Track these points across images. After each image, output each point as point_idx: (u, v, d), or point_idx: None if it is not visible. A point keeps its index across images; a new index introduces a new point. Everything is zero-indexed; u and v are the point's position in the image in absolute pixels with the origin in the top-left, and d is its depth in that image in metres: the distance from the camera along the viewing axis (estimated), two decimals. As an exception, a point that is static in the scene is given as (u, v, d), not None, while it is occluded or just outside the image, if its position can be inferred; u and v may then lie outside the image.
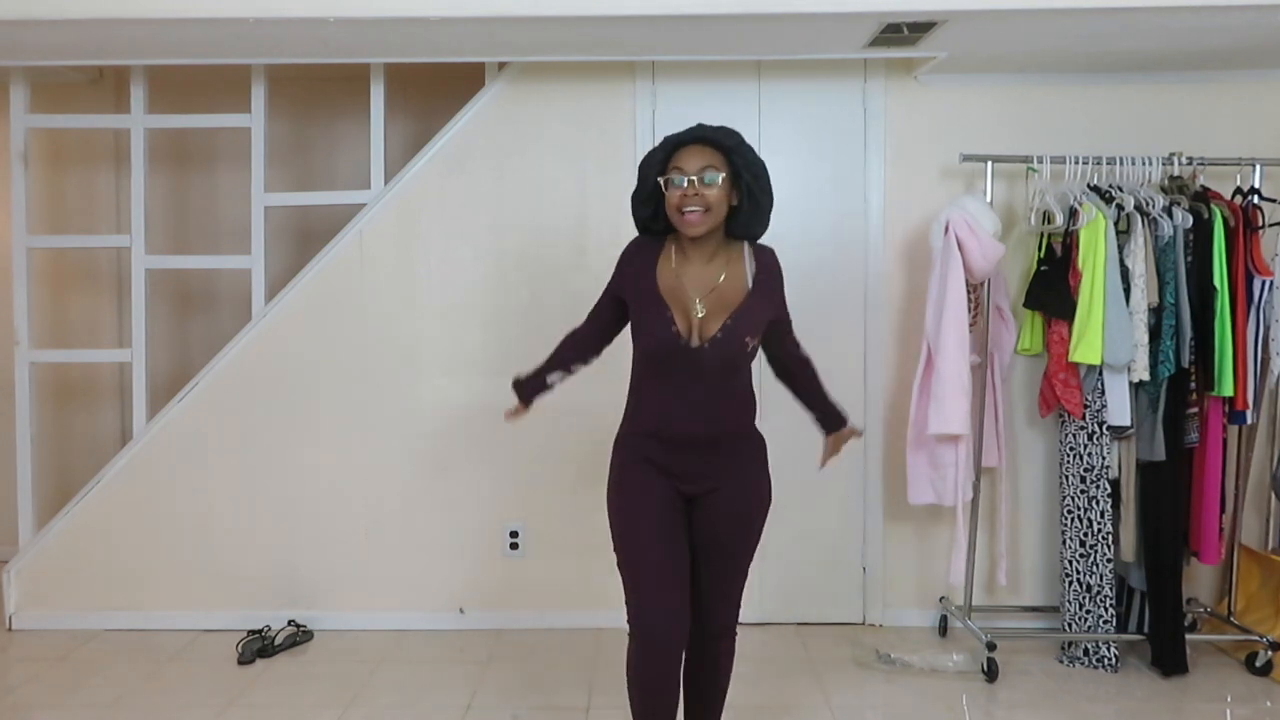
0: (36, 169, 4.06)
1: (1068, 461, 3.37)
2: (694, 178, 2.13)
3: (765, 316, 2.26)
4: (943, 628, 3.74)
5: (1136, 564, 3.40)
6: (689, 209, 2.14)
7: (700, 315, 2.19)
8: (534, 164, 3.78)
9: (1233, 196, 3.43)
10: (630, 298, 2.27)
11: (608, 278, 2.38)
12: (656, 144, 2.26)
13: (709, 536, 2.28)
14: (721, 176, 2.15)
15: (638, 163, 2.29)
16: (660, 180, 2.19)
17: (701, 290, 2.21)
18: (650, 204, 2.25)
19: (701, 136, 2.19)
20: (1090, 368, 3.30)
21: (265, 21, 3.04)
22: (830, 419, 2.50)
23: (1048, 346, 3.42)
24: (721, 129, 2.21)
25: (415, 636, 3.71)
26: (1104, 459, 3.31)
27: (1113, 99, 3.71)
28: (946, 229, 3.36)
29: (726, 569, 2.32)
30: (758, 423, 2.35)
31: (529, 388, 2.46)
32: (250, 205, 3.87)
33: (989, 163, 3.48)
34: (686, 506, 2.28)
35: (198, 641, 3.66)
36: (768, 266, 2.29)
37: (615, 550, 2.27)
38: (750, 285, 2.24)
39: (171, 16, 3.02)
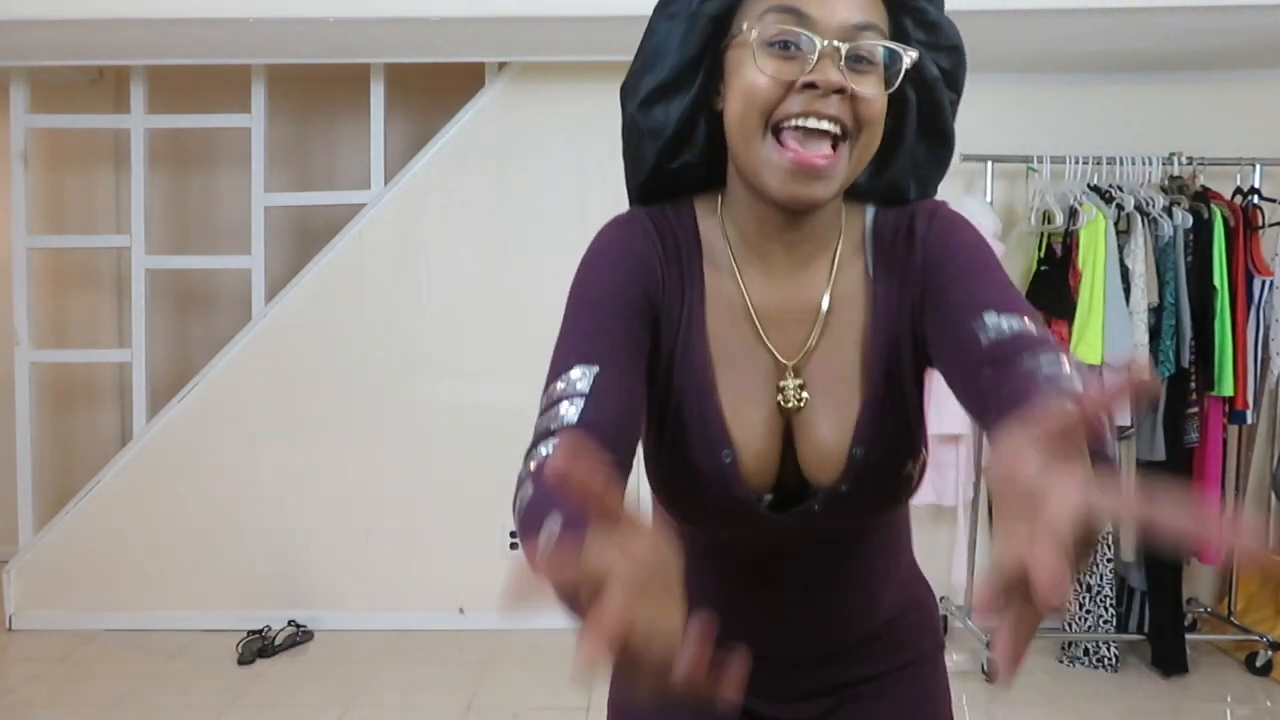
0: (36, 169, 4.05)
1: (1068, 461, 3.37)
2: (839, 45, 0.84)
3: (920, 392, 0.97)
4: (943, 628, 3.73)
5: (1136, 564, 3.40)
6: (815, 125, 0.84)
7: (798, 405, 0.93)
8: (534, 164, 3.77)
9: (1233, 196, 3.43)
10: (651, 372, 0.93)
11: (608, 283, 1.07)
12: None
13: None
14: (909, 59, 0.88)
15: None
16: (749, 34, 0.86)
17: (790, 338, 0.94)
18: (681, 102, 0.91)
19: None
20: (1090, 367, 3.30)
21: (265, 21, 3.04)
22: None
23: (1048, 346, 3.41)
24: None
25: (415, 636, 3.71)
26: (1104, 459, 3.31)
27: (1113, 99, 3.71)
28: (946, 229, 3.36)
29: None
30: None
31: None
32: (250, 205, 3.87)
33: (989, 163, 3.48)
34: None
35: (198, 641, 3.65)
36: (911, 236, 0.94)
37: None
38: (873, 305, 0.95)
39: (171, 16, 3.02)
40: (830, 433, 0.93)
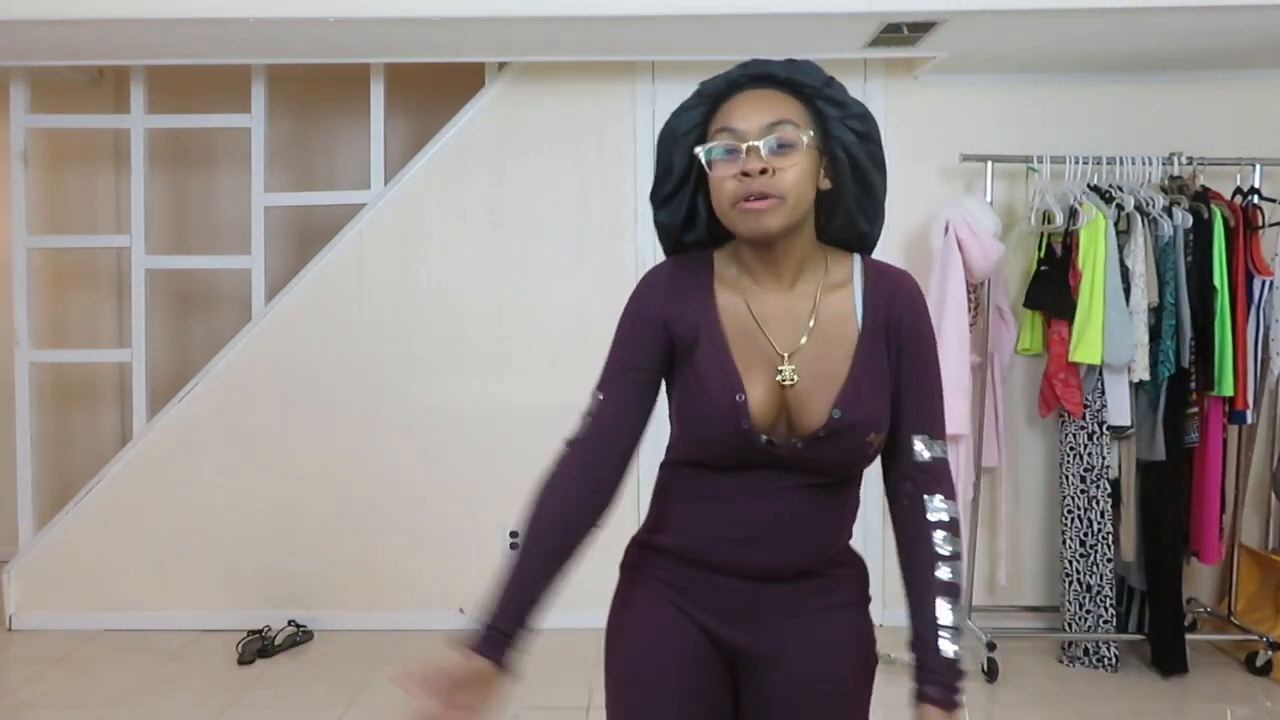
0: (36, 169, 4.06)
1: (1068, 461, 3.37)
2: (756, 144, 1.25)
3: (887, 387, 1.34)
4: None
5: (1136, 564, 3.40)
6: (750, 197, 1.25)
7: (790, 383, 1.30)
8: (534, 164, 3.77)
9: (1233, 196, 3.43)
10: (675, 356, 1.35)
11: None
12: (688, 96, 1.35)
13: None
14: (806, 138, 1.27)
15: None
16: (699, 154, 1.30)
17: (786, 336, 1.32)
18: (683, 201, 1.37)
19: (766, 74, 1.31)
20: (1090, 368, 3.30)
21: (265, 21, 3.04)
22: (927, 666, 1.31)
23: (1048, 346, 3.42)
24: (797, 62, 1.32)
25: (415, 636, 3.71)
26: (1104, 459, 3.31)
27: (1113, 99, 3.71)
28: (946, 229, 3.36)
29: None
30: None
31: (501, 632, 1.42)
32: (250, 205, 3.87)
33: (989, 163, 3.48)
34: (731, 676, 1.40)
35: (198, 641, 3.66)
36: (896, 292, 1.35)
37: None
38: (861, 324, 1.33)
39: (171, 16, 3.02)
40: (816, 400, 1.31)
